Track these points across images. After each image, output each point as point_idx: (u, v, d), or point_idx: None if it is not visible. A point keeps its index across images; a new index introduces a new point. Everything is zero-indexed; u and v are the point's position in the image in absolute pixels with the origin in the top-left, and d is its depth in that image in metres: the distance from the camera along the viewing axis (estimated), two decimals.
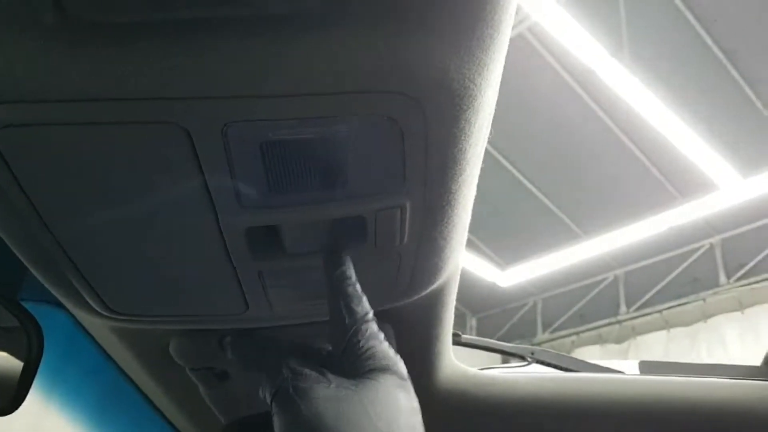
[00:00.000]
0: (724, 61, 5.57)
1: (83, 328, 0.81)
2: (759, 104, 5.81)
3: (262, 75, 0.42)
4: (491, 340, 1.15)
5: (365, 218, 0.55)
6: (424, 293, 0.69)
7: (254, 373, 0.60)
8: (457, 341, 1.01)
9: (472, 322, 9.08)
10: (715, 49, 5.51)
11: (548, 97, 6.26)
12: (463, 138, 0.50)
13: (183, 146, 0.45)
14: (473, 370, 0.97)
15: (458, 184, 0.55)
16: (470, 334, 7.96)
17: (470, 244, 7.54)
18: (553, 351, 1.13)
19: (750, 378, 0.98)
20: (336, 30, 0.41)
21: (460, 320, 8.95)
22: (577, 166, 6.82)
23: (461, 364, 0.95)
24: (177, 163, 0.47)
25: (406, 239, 0.58)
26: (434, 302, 0.75)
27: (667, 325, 6.80)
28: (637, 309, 7.30)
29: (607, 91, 5.11)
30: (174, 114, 0.43)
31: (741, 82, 5.68)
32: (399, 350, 0.77)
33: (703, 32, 5.43)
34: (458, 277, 0.75)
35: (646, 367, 1.06)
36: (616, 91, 4.82)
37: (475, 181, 0.59)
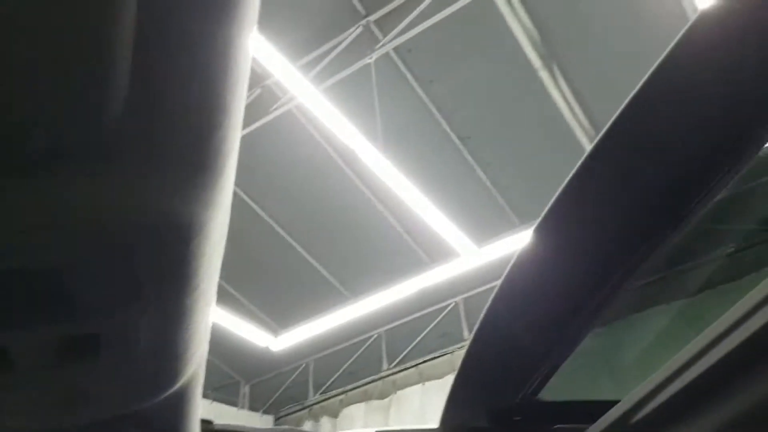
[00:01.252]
0: (460, 146, 6.56)
1: None
2: (488, 183, 6.88)
3: None
4: (243, 426, 1.23)
5: (99, 334, 0.58)
6: (167, 394, 0.72)
7: None
8: (208, 429, 1.07)
9: (246, 389, 8.93)
10: (453, 136, 6.47)
11: (316, 169, 6.71)
12: (194, 259, 0.56)
13: None
14: None
15: (193, 298, 0.60)
16: (243, 402, 7.73)
17: (245, 310, 7.59)
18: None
19: None
20: (65, 171, 0.45)
21: (233, 388, 8.75)
22: (345, 233, 7.34)
23: None
24: None
25: (142, 349, 0.61)
26: (179, 400, 0.78)
27: (422, 378, 7.27)
28: (397, 365, 7.80)
29: (366, 168, 5.67)
30: None
31: (474, 165, 6.71)
32: None
33: (443, 121, 6.36)
34: (202, 375, 0.81)
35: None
36: (373, 169, 5.40)
37: (212, 291, 0.66)
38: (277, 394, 8.68)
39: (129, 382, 0.67)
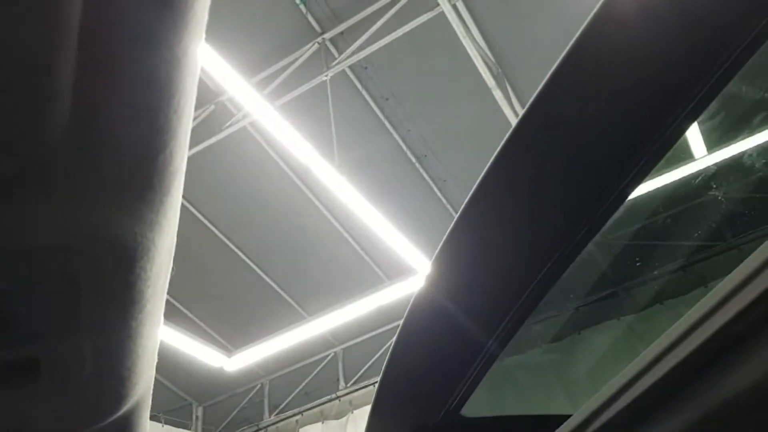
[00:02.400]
0: (416, 164, 6.61)
1: None
2: (444, 201, 6.94)
3: None
4: None
5: (40, 358, 0.57)
6: (112, 418, 0.71)
7: None
8: None
9: (198, 411, 8.73)
10: (409, 153, 6.52)
11: (271, 186, 6.66)
12: (139, 282, 0.55)
13: None
14: None
15: (138, 320, 0.59)
16: (197, 425, 7.54)
17: (198, 330, 7.43)
18: None
19: None
20: (5, 196, 0.46)
21: (186, 411, 8.54)
22: (301, 251, 7.28)
23: None
24: None
25: (86, 373, 0.61)
26: (125, 425, 0.77)
27: None
28: (354, 383, 7.76)
29: (322, 185, 5.65)
30: None
31: (430, 182, 6.77)
32: None
33: (399, 139, 6.40)
34: (149, 398, 0.80)
35: None
36: (329, 186, 5.38)
37: (159, 313, 0.66)
38: (231, 416, 8.51)
39: (72, 407, 0.65)
